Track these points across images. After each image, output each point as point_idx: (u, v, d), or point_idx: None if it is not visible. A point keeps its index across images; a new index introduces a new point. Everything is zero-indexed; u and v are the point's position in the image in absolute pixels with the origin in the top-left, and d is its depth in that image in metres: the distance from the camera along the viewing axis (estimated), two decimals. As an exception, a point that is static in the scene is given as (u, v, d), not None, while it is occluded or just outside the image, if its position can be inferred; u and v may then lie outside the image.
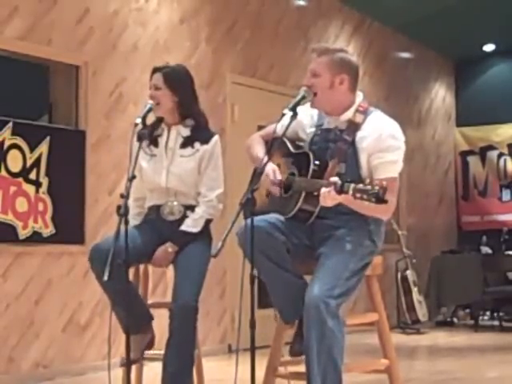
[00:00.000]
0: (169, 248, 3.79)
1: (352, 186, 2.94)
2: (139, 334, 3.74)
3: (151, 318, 3.86)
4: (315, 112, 3.48)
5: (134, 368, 3.88)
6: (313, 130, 3.47)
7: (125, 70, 6.18)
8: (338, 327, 3.08)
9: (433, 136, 10.56)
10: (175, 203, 3.86)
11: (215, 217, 3.90)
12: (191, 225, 3.81)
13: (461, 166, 10.94)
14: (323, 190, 3.05)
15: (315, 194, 3.14)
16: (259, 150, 3.51)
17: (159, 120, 3.89)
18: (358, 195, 2.92)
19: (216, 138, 3.90)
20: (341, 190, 2.98)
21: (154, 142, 3.89)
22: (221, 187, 3.90)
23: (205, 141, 3.85)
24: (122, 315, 3.60)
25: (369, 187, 2.90)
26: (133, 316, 3.53)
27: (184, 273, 3.72)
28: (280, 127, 3.36)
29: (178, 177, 3.83)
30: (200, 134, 3.87)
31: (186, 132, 3.86)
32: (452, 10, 8.88)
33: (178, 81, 3.86)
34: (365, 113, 3.36)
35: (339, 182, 2.99)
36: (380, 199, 2.87)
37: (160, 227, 3.85)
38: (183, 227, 3.81)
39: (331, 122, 3.41)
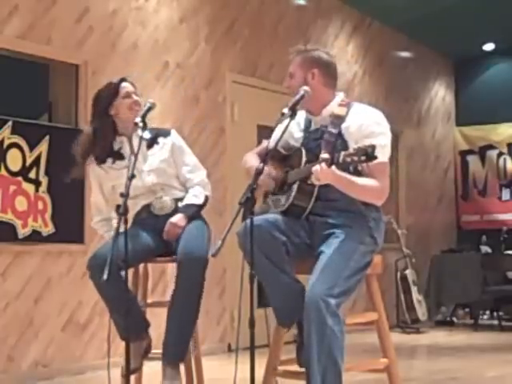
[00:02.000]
0: (179, 219, 3.80)
1: (342, 153, 2.99)
2: (137, 341, 3.74)
3: (148, 325, 3.85)
4: (302, 118, 3.52)
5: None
6: (301, 134, 3.51)
7: (124, 69, 6.17)
8: (338, 326, 3.08)
9: (432, 135, 10.55)
10: (165, 198, 3.88)
11: (209, 195, 3.95)
12: (193, 198, 3.87)
13: (460, 165, 10.93)
14: (314, 167, 3.07)
15: (309, 182, 3.16)
16: (253, 161, 3.53)
17: (112, 135, 3.92)
18: (348, 160, 2.95)
19: (173, 130, 4.05)
20: (332, 162, 3.01)
21: (119, 156, 3.92)
22: (202, 168, 4.02)
23: (165, 134, 3.99)
24: (120, 323, 3.60)
25: (357, 148, 2.94)
26: (130, 323, 3.51)
27: (190, 233, 3.74)
28: (272, 141, 3.40)
29: (156, 171, 3.88)
30: (157, 131, 4.00)
31: (147, 134, 3.88)
32: (452, 10, 8.88)
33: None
34: (347, 106, 3.40)
35: (329, 156, 3.02)
36: (370, 156, 2.90)
37: (153, 224, 3.85)
38: (186, 201, 3.86)
39: (316, 122, 3.45)
